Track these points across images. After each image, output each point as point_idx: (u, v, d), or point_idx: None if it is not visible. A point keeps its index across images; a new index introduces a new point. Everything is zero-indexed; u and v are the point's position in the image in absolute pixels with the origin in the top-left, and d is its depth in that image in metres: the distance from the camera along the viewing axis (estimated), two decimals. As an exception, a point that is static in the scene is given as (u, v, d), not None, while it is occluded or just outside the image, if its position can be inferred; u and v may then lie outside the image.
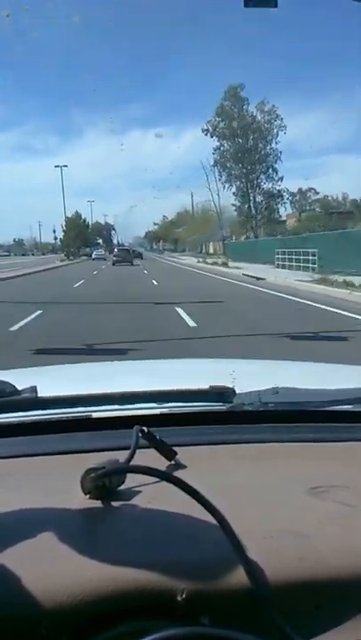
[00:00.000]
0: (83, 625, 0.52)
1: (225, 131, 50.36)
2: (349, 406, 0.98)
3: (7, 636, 0.51)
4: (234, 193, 52.52)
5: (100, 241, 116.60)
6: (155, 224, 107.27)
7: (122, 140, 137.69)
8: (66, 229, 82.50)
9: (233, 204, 53.34)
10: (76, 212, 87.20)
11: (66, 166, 71.64)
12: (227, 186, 52.20)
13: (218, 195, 58.99)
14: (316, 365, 1.80)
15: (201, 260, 42.79)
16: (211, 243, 66.00)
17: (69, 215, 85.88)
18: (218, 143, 51.22)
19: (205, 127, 51.14)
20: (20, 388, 0.87)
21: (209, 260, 40.26)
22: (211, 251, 66.53)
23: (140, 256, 63.29)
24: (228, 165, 51.72)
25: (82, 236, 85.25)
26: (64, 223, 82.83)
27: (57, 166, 69.23)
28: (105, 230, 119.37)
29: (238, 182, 52.18)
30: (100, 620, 0.52)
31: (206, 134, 51.55)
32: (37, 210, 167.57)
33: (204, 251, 66.52)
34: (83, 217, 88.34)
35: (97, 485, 0.65)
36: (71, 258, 71.64)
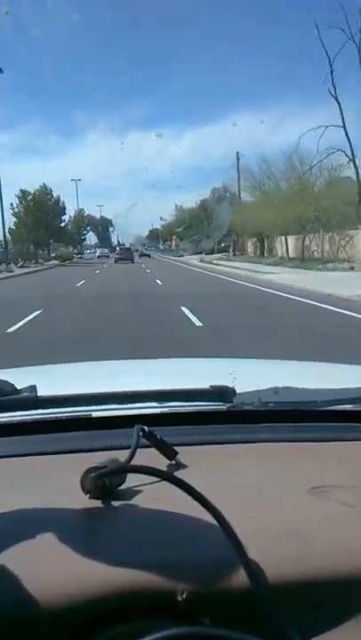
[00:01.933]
0: (83, 625, 0.52)
1: None
2: (350, 406, 0.98)
3: (7, 636, 0.51)
4: None
5: (93, 237, 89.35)
6: (162, 219, 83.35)
7: (122, 140, 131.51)
8: (20, 212, 47.39)
9: None
10: (43, 186, 51.98)
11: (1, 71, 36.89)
12: None
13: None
14: (316, 365, 1.76)
15: None
16: (287, 237, 31.57)
17: (31, 190, 49.90)
18: None
19: None
20: (19, 388, 0.86)
21: None
22: (279, 252, 35.67)
23: (147, 256, 55.56)
24: None
25: (50, 227, 49.66)
26: (16, 201, 47.62)
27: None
28: (100, 226, 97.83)
29: None
30: (100, 620, 0.52)
31: None
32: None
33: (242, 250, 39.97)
34: (56, 196, 53.08)
35: (97, 485, 0.65)
36: (20, 263, 36.73)
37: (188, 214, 65.34)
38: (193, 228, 61.07)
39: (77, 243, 70.58)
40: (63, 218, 55.30)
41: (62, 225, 55.44)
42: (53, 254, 54.18)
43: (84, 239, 77.48)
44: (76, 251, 66.19)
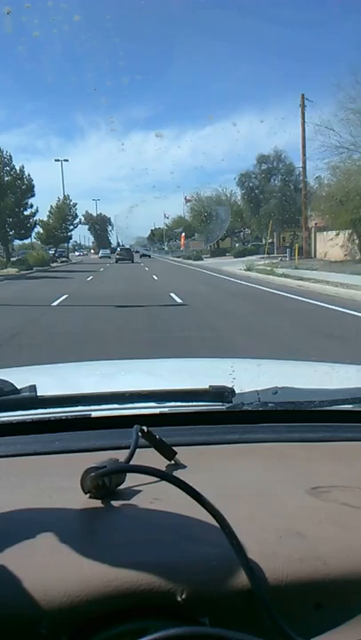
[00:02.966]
0: (83, 625, 0.52)
1: None
2: (349, 406, 0.97)
3: (7, 636, 0.51)
4: None
5: (89, 238, 76.28)
6: (166, 216, 67.31)
7: (122, 141, 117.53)
8: None
9: None
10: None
11: None
12: None
13: None
14: (316, 365, 1.75)
15: None
16: None
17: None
18: None
19: None
20: (19, 387, 0.86)
21: None
22: None
23: (147, 257, 49.27)
24: None
25: (4, 212, 32.05)
26: None
27: None
28: (97, 224, 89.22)
29: None
30: (100, 620, 0.52)
31: None
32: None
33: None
34: (20, 168, 35.06)
35: (97, 485, 0.65)
36: None
37: (206, 204, 47.89)
38: (210, 223, 43.63)
39: (61, 241, 52.21)
40: (30, 202, 36.92)
41: (28, 213, 36.85)
42: (15, 258, 36.32)
43: (70, 236, 58.06)
44: (55, 252, 48.48)
